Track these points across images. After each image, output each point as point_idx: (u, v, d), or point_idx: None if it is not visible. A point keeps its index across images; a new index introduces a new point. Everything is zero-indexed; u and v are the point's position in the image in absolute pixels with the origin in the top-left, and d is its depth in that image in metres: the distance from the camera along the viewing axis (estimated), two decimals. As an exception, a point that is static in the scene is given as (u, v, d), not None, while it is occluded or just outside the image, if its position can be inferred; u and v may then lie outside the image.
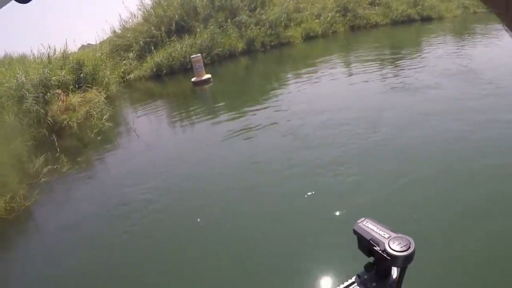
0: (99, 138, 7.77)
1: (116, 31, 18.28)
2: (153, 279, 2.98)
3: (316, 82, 9.11)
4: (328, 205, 3.45)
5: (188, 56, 14.61)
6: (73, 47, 18.72)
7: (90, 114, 9.50)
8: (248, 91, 10.23)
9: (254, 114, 7.13)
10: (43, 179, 5.67)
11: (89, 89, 11.07)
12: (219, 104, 9.05)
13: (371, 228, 0.72)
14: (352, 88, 7.94)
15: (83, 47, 15.99)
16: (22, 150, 6.16)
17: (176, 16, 16.93)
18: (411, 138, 4.70)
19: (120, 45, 16.84)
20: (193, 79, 11.57)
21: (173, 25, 16.83)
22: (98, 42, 18.35)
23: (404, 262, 0.68)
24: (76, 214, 4.42)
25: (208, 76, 11.61)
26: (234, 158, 5.16)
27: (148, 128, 8.16)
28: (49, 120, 8.84)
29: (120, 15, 26.76)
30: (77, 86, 10.94)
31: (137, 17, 18.31)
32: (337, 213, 3.31)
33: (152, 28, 16.75)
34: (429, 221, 3.01)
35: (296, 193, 3.75)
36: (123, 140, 7.63)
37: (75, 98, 10.14)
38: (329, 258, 2.78)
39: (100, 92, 11.24)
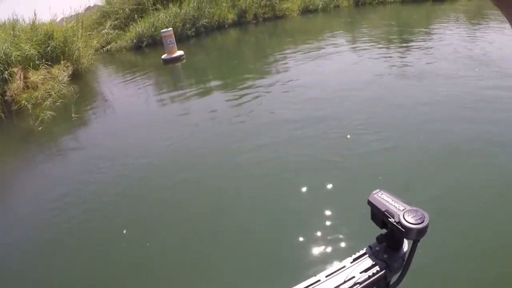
0: (40, 127, 7.46)
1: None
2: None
3: (304, 63, 9.00)
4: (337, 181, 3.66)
5: (172, 26, 14.52)
6: (51, 16, 18.50)
7: (48, 94, 9.41)
8: (225, 71, 10.03)
9: (217, 101, 7.15)
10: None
11: (56, 64, 10.96)
12: (187, 86, 8.88)
13: (386, 199, 0.79)
14: (349, 73, 7.78)
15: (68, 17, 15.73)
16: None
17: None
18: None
19: (107, 12, 16.74)
20: (163, 56, 11.46)
21: (162, -10, 16.70)
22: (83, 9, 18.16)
23: (417, 235, 0.75)
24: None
25: (180, 53, 11.47)
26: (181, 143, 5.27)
27: (102, 111, 8.15)
28: (8, 100, 8.80)
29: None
30: (43, 61, 10.83)
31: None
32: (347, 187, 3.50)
33: (139, -7, 16.61)
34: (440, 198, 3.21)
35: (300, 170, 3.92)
36: (64, 127, 7.52)
37: (36, 76, 10.05)
38: (339, 231, 2.95)
39: (67, 67, 11.13)
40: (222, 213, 3.54)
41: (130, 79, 10.19)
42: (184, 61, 11.26)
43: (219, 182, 4.04)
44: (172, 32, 11.57)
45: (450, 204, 3.11)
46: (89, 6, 18.56)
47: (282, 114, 5.68)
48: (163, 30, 11.71)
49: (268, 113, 5.92)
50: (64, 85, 10.01)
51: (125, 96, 8.83)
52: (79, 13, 15.40)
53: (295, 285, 0.75)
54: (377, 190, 0.82)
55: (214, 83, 8.73)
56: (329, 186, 3.60)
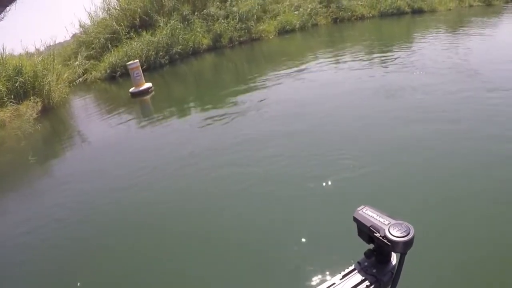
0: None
1: (81, 25, 18.40)
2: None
3: (282, 88, 8.94)
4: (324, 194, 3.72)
5: (145, 54, 14.69)
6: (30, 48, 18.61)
7: (15, 133, 9.28)
8: (196, 100, 9.88)
9: (185, 135, 6.96)
10: None
11: (26, 100, 10.92)
12: (155, 120, 8.59)
13: (370, 215, 0.84)
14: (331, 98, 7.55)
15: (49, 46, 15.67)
16: None
17: (139, 10, 16.99)
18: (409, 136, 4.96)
19: (83, 42, 16.90)
20: (130, 90, 11.31)
21: (137, 19, 16.91)
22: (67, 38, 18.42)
23: (404, 247, 0.80)
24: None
25: (148, 85, 11.31)
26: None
27: (63, 150, 7.91)
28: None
29: (85, 8, 26.84)
30: (11, 97, 10.79)
31: (101, 9, 18.41)
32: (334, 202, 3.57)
33: (114, 23, 16.78)
34: (426, 209, 3.31)
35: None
36: (19, 171, 7.19)
37: (3, 113, 10.01)
38: (327, 248, 3.01)
39: (37, 103, 11.08)
40: (201, 231, 3.58)
41: (99, 114, 10.12)
42: (153, 93, 11.11)
43: (195, 206, 4.09)
44: (138, 64, 11.39)
45: (435, 217, 3.22)
46: (73, 34, 18.83)
47: (256, 135, 5.78)
48: (129, 62, 11.51)
49: (242, 134, 6.02)
50: (30, 123, 9.91)
51: (91, 134, 8.65)
52: (50, 45, 15.44)
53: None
54: (362, 206, 0.87)
55: (183, 114, 8.69)
56: (313, 204, 3.68)
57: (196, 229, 3.70)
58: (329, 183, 3.99)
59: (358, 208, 0.87)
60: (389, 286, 0.85)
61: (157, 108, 10.04)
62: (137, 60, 11.76)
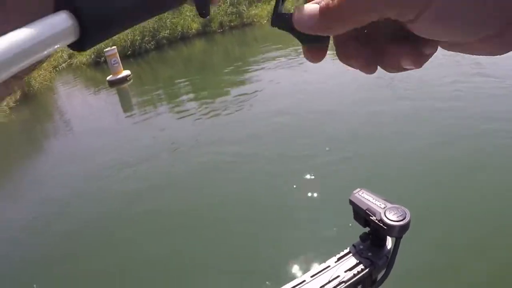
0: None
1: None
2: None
3: (276, 75, 8.78)
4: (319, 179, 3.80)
5: (130, 39, 14.62)
6: None
7: None
8: (181, 88, 9.47)
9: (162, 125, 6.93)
10: None
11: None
12: (133, 109, 8.58)
13: (366, 198, 0.87)
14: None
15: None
16: None
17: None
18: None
19: None
20: (108, 78, 11.15)
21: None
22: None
23: (399, 231, 0.83)
24: None
25: (126, 72, 11.17)
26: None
27: (36, 143, 7.89)
28: None
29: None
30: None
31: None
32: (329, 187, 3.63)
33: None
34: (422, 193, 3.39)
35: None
36: None
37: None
38: (322, 231, 3.07)
39: (14, 92, 10.93)
40: (199, 221, 3.62)
41: (79, 102, 10.06)
42: (131, 81, 10.99)
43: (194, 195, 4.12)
44: (116, 51, 11.27)
45: (432, 201, 3.29)
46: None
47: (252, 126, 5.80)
48: (106, 49, 11.42)
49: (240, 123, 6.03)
50: (5, 113, 9.81)
51: (65, 123, 8.64)
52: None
53: (280, 287, 0.81)
54: (358, 189, 0.90)
55: (163, 102, 8.62)
56: (310, 186, 3.74)
57: (191, 215, 3.73)
58: (324, 167, 4.03)
59: (354, 191, 0.89)
60: (384, 270, 0.88)
61: (135, 97, 9.88)
62: (114, 47, 11.60)
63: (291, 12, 0.32)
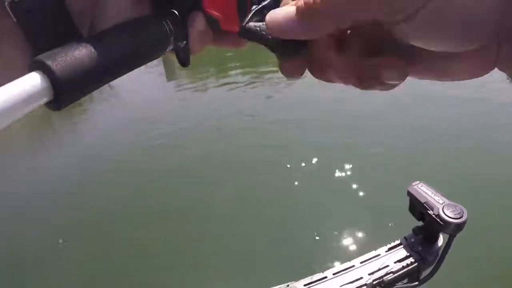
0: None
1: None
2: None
3: None
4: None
5: None
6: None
7: None
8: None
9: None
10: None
11: None
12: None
13: (425, 191, 0.85)
14: None
15: None
16: None
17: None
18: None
19: None
20: None
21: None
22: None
23: (455, 229, 0.81)
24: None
25: None
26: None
27: None
28: None
29: None
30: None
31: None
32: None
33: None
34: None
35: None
36: None
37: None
38: (375, 218, 3.04)
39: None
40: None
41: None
42: None
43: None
44: None
45: (491, 203, 3.15)
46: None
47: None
48: None
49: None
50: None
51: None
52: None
53: (328, 269, 0.81)
54: (417, 182, 0.88)
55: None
56: (367, 173, 3.67)
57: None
58: (380, 156, 3.94)
59: (413, 183, 0.87)
60: (432, 267, 0.86)
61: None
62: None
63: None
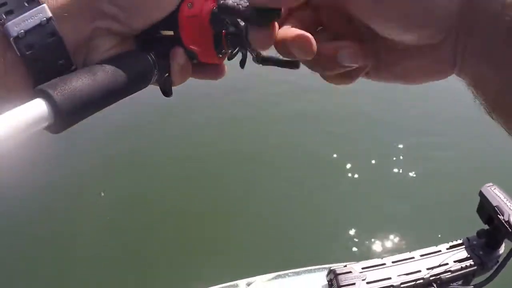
0: None
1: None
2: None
3: None
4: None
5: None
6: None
7: None
8: None
9: None
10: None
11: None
12: None
13: (498, 195, 0.81)
14: None
15: None
16: None
17: None
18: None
19: None
20: None
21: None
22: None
23: (522, 239, 0.78)
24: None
25: None
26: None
27: None
28: None
29: None
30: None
31: None
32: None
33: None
34: None
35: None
36: None
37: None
38: (441, 214, 3.00)
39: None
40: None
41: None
42: None
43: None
44: None
45: None
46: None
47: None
48: None
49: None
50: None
51: None
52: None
53: (387, 256, 0.79)
54: (491, 184, 0.84)
55: None
56: (436, 166, 3.56)
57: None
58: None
59: (487, 185, 0.84)
60: (490, 273, 0.84)
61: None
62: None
63: None
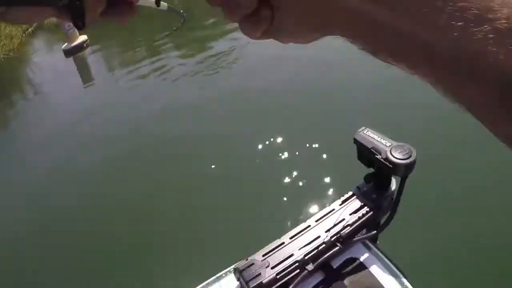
0: None
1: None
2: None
3: None
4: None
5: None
6: None
7: None
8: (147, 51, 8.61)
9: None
10: None
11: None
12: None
13: (371, 136, 0.82)
14: None
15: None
16: None
17: None
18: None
19: None
20: (63, 47, 9.62)
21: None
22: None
23: (405, 170, 0.79)
24: None
25: (82, 38, 9.57)
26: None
27: None
28: None
29: None
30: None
31: None
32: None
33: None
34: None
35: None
36: None
37: None
38: (325, 172, 3.02)
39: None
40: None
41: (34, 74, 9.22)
42: (88, 47, 9.84)
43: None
44: None
45: (437, 141, 3.17)
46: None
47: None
48: None
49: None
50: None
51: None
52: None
53: (286, 233, 0.78)
54: (363, 128, 0.85)
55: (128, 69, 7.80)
56: (308, 128, 3.62)
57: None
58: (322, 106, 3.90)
59: (359, 130, 0.84)
60: (389, 212, 0.85)
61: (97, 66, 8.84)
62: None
63: None
